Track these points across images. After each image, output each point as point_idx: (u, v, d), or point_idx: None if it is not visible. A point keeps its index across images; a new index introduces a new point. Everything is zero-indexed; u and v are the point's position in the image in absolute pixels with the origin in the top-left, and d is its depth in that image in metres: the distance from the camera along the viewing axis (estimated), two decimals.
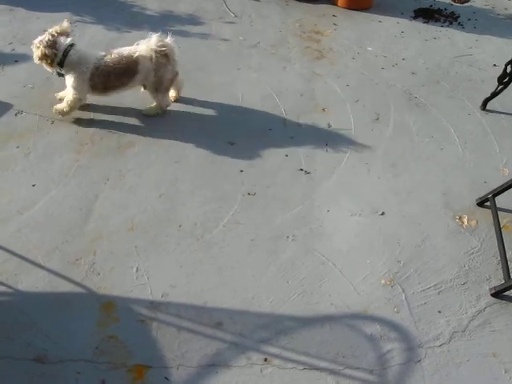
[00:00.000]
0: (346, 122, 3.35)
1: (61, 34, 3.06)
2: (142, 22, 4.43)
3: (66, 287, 2.34)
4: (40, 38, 3.03)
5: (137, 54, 3.05)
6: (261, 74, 3.75)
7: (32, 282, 2.35)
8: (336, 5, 4.90)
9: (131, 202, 2.72)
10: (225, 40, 4.17)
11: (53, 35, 3.02)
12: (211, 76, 3.70)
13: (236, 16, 4.58)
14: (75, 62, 3.04)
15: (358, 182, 2.94)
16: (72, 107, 3.18)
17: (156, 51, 3.05)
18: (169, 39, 3.12)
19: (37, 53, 3.03)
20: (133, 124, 3.24)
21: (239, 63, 3.87)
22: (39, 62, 3.07)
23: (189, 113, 3.34)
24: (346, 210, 2.77)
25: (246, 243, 2.54)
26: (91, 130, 3.17)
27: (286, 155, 3.06)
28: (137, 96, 3.34)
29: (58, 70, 3.10)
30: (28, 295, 2.30)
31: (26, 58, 3.92)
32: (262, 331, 2.20)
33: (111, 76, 3.06)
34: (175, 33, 4.20)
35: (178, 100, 3.41)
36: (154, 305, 2.26)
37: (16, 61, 3.89)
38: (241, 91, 3.54)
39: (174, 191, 2.79)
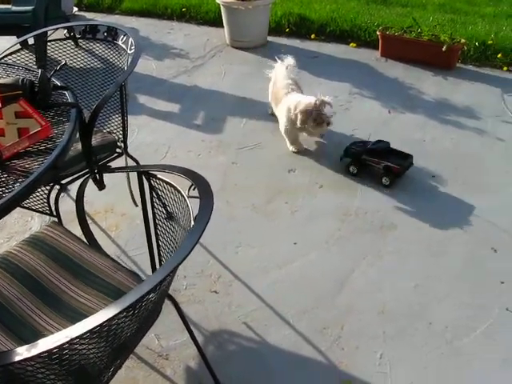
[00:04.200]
0: None
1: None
2: (417, 105, 4.50)
3: (309, 353, 2.39)
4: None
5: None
6: None
7: (279, 337, 2.46)
8: None
9: (385, 286, 2.73)
10: (500, 140, 4.04)
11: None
12: (481, 175, 3.59)
13: None
14: None
15: None
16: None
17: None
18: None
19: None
20: (399, 206, 3.27)
21: None
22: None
23: (453, 208, 3.28)
24: None
25: (496, 362, 2.38)
26: (357, 203, 3.28)
27: None
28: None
29: None
30: (273, 349, 2.41)
31: None
32: None
33: None
34: (450, 122, 4.21)
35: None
36: None
37: None
38: None
39: (429, 286, 2.73)
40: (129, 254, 2.93)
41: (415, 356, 2.39)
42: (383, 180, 3.41)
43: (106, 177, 2.63)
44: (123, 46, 2.80)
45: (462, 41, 5.26)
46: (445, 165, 3.65)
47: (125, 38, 2.82)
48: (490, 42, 5.53)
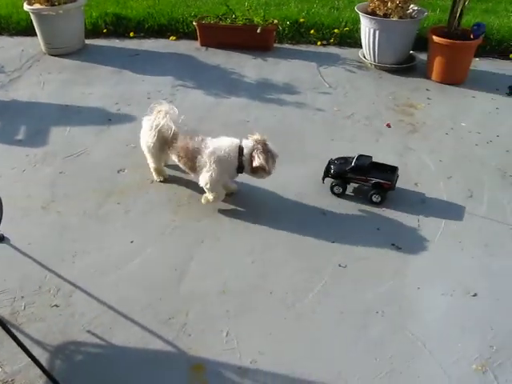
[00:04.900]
0: (438, 198, 3.32)
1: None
2: (240, 89, 4.63)
3: (157, 345, 2.41)
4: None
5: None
6: (354, 145, 3.81)
7: (125, 336, 2.45)
8: (429, 79, 4.92)
9: (225, 266, 2.80)
10: (319, 110, 4.28)
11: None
12: (304, 145, 3.79)
13: (331, 87, 4.70)
14: None
15: (451, 260, 2.89)
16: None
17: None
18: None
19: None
20: None
21: (333, 134, 3.96)
22: None
23: (283, 180, 3.41)
24: (437, 289, 2.72)
25: (335, 316, 2.54)
26: (189, 192, 3.32)
27: (378, 228, 3.07)
28: None
29: None
30: (121, 350, 2.40)
31: (130, 118, 4.18)
32: None
33: None
34: (272, 101, 4.38)
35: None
36: (242, 370, 2.29)
37: (120, 120, 4.13)
38: None
39: (266, 258, 2.85)
40: None
41: (260, 326, 2.48)
42: (373, 198, 3.24)
43: None
44: None
45: (275, 21, 5.48)
46: (270, 141, 3.78)
47: None
48: (302, 20, 5.79)
